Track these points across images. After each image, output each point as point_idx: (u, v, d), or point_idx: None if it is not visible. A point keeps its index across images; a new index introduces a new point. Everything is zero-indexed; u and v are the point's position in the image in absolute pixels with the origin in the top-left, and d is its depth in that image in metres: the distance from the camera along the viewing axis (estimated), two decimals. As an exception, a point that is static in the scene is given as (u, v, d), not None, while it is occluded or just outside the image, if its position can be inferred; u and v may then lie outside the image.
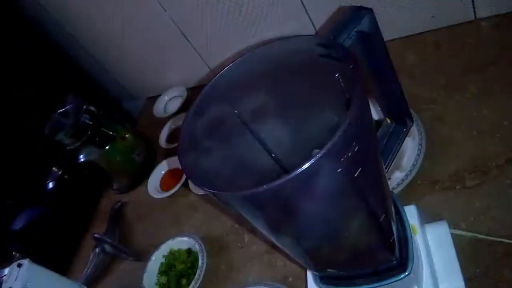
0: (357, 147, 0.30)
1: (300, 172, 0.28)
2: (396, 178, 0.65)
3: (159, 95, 1.20)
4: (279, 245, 0.42)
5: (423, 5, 0.80)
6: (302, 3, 0.85)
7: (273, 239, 0.41)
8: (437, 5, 0.80)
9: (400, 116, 0.49)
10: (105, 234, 0.89)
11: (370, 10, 0.39)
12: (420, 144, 0.67)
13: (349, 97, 0.36)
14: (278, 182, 0.28)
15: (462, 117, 0.69)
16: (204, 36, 1.01)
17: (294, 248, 0.42)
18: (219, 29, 0.97)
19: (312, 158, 0.27)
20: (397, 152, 0.51)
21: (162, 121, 1.10)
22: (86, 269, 0.87)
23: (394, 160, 0.68)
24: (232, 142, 0.42)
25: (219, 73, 0.40)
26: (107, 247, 0.86)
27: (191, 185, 0.90)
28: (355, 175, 0.31)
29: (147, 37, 1.07)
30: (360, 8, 0.40)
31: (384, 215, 0.37)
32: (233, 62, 0.40)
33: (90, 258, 0.89)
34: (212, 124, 0.42)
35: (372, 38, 0.40)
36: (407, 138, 0.69)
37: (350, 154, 0.29)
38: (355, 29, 0.39)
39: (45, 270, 0.72)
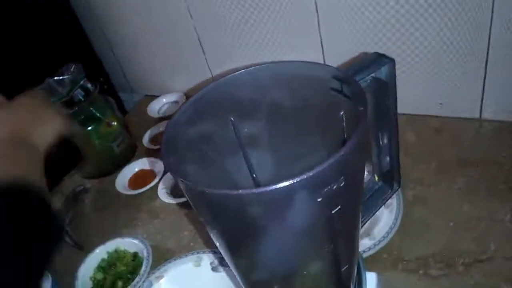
0: (343, 183, 0.28)
1: (284, 187, 0.26)
2: (364, 245, 0.64)
3: (158, 96, 1.19)
4: (232, 268, 0.39)
5: (435, 90, 0.82)
6: (321, 43, 0.86)
7: (228, 259, 0.38)
8: (448, 95, 0.82)
9: (390, 176, 0.49)
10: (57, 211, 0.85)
11: (392, 60, 0.40)
12: (396, 219, 0.67)
13: (347, 137, 0.35)
14: (260, 189, 0.27)
15: (443, 206, 0.69)
16: (219, 51, 1.02)
17: (246, 274, 0.40)
18: (236, 48, 0.97)
19: (300, 176, 0.26)
20: (376, 211, 0.50)
21: (152, 122, 1.08)
22: (24, 242, 0.82)
23: (366, 226, 0.68)
24: (217, 150, 0.41)
25: (224, 76, 0.39)
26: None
27: (159, 191, 0.87)
28: (333, 211, 0.30)
29: (164, 36, 1.07)
30: (383, 55, 0.40)
31: (347, 266, 0.36)
32: (241, 71, 0.39)
33: (33, 232, 0.84)
34: (202, 128, 0.40)
35: (387, 88, 0.40)
36: (384, 209, 0.69)
37: (335, 187, 0.28)
38: (373, 74, 0.39)
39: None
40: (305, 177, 0.26)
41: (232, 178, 0.43)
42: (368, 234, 0.66)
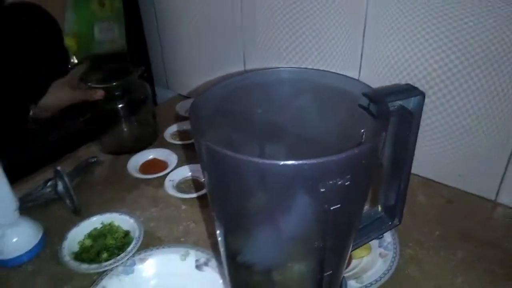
0: (348, 183, 0.29)
1: (293, 165, 0.27)
2: (351, 286, 0.64)
3: (190, 98, 1.22)
4: (221, 247, 0.40)
5: (456, 162, 0.83)
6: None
7: (222, 234, 0.39)
8: (467, 169, 0.82)
9: (393, 210, 0.49)
10: (67, 174, 0.87)
11: (422, 94, 0.41)
12: (388, 270, 0.66)
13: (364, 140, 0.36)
14: (271, 161, 0.28)
15: (437, 273, 0.68)
16: (259, 66, 1.05)
17: (233, 255, 0.40)
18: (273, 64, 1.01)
19: (311, 159, 0.27)
20: (371, 239, 0.50)
21: (178, 119, 1.12)
22: (29, 192, 0.85)
23: (357, 269, 0.68)
24: (234, 133, 0.43)
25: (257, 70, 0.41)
26: (60, 186, 0.84)
27: (166, 182, 0.89)
28: (332, 207, 0.31)
29: (212, 44, 1.11)
30: (415, 88, 0.41)
31: (331, 271, 0.36)
32: (280, 68, 0.41)
33: (39, 186, 0.86)
34: (228, 109, 0.42)
35: (412, 119, 0.41)
36: (379, 258, 0.69)
37: (339, 182, 0.29)
38: (400, 102, 0.40)
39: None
40: (315, 162, 0.27)
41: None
42: (357, 277, 0.65)
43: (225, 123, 0.42)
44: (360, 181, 0.33)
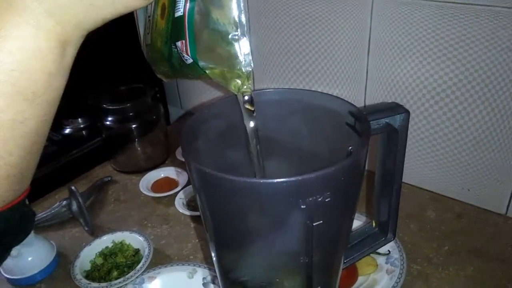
0: (329, 199, 0.30)
1: (271, 183, 0.29)
2: (355, 302, 0.64)
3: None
4: (216, 266, 0.41)
5: (465, 176, 0.82)
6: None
7: (214, 252, 0.40)
8: (477, 183, 0.82)
9: (385, 225, 0.50)
10: (81, 194, 0.90)
11: (407, 112, 0.42)
12: (394, 287, 0.66)
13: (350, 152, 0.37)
14: (251, 179, 0.29)
15: (445, 289, 0.67)
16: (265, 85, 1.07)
17: (226, 272, 0.42)
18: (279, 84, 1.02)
19: (288, 177, 0.28)
20: (365, 255, 0.50)
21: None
22: (43, 212, 0.87)
23: (363, 286, 0.67)
24: (226, 150, 0.44)
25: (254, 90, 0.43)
26: (74, 205, 0.86)
27: (177, 200, 0.90)
28: (314, 223, 0.32)
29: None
30: (401, 106, 0.42)
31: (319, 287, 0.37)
32: (267, 89, 0.43)
33: (54, 206, 0.89)
34: (220, 129, 0.44)
35: (397, 136, 0.42)
36: (385, 275, 0.69)
37: (319, 199, 0.30)
38: (386, 120, 0.41)
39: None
40: (294, 179, 0.29)
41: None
42: (362, 293, 0.65)
43: (220, 143, 0.43)
44: (342, 197, 0.34)
